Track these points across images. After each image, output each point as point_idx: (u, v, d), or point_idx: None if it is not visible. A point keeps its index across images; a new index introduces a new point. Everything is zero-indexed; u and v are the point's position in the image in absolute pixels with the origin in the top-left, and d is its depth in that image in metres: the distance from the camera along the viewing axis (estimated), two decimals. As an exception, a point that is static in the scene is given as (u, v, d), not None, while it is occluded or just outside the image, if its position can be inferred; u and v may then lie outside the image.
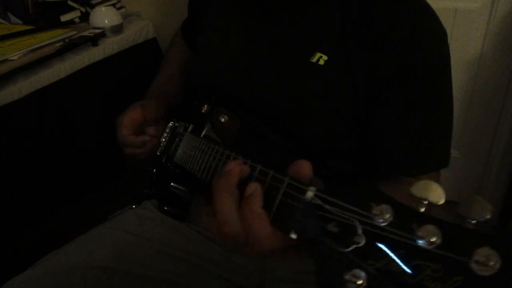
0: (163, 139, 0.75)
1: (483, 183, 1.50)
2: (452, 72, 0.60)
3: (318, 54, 0.59)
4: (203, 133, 0.65)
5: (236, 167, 0.40)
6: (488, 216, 0.26)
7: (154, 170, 0.77)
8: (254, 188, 0.38)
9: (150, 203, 0.75)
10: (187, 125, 0.71)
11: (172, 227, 0.70)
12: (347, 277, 0.29)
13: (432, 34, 0.57)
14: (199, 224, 0.72)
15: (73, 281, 0.59)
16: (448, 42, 0.60)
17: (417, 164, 0.58)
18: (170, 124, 0.76)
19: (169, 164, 0.72)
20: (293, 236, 0.35)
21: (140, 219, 0.71)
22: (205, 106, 0.67)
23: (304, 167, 0.38)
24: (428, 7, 0.58)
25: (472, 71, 1.35)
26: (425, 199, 0.29)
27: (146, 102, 0.77)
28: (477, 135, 1.44)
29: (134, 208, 0.75)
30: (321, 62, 0.59)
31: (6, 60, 1.07)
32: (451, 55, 0.60)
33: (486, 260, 0.24)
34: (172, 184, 0.69)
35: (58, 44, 1.19)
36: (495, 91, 1.36)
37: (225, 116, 0.64)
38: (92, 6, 1.39)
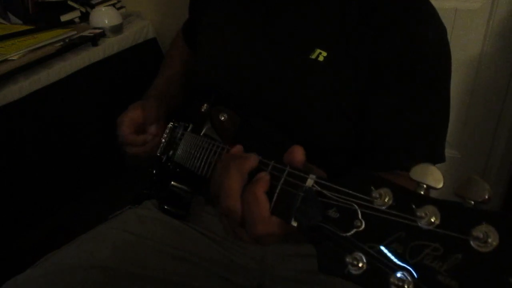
0: (163, 140, 0.75)
1: (483, 183, 1.49)
2: (452, 72, 0.60)
3: (318, 51, 0.59)
4: (202, 131, 0.65)
5: (254, 157, 0.43)
6: (486, 196, 0.27)
7: (154, 171, 0.77)
8: (263, 175, 0.40)
9: (150, 203, 0.75)
10: (186, 125, 0.71)
11: (172, 227, 0.70)
12: (348, 260, 0.30)
13: (432, 32, 0.58)
14: (199, 224, 0.72)
15: (73, 281, 0.59)
16: (448, 41, 0.60)
17: (412, 158, 0.59)
18: (170, 124, 0.76)
19: (169, 164, 0.73)
20: (294, 224, 0.36)
21: (140, 219, 0.71)
22: (205, 105, 0.67)
23: (297, 153, 0.40)
24: (428, 4, 0.59)
25: (472, 71, 1.35)
26: (424, 183, 0.29)
27: (146, 101, 0.77)
28: (477, 135, 1.44)
29: (134, 208, 0.75)
30: (321, 58, 0.59)
31: (6, 60, 1.07)
32: (451, 55, 0.60)
33: (484, 237, 0.24)
34: (172, 183, 0.69)
35: (58, 44, 1.19)
36: (495, 91, 1.36)
37: (225, 115, 0.64)
38: (92, 6, 1.39)
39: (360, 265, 0.29)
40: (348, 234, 0.31)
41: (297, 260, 0.68)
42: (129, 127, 0.74)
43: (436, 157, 0.60)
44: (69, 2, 1.37)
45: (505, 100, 1.36)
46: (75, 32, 1.26)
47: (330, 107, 0.60)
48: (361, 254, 0.29)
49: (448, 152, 0.61)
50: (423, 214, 0.27)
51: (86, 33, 1.27)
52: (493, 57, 1.31)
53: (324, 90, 0.59)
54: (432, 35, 0.58)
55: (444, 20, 0.59)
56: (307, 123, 0.61)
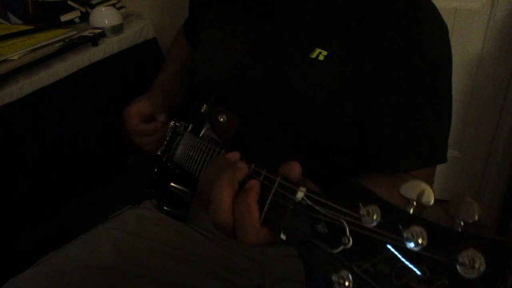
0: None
1: (483, 183, 1.50)
2: (452, 72, 0.60)
3: (318, 50, 0.59)
4: (202, 132, 0.65)
5: (245, 165, 0.42)
6: (476, 218, 0.26)
7: (155, 170, 0.77)
8: (255, 183, 0.40)
9: (150, 203, 0.75)
10: (187, 125, 0.71)
11: (172, 227, 0.70)
12: (334, 278, 0.29)
13: (433, 29, 0.58)
14: (199, 225, 0.72)
15: (73, 281, 0.59)
16: (450, 40, 0.60)
17: (413, 158, 0.59)
18: (171, 123, 0.76)
19: (169, 164, 0.73)
20: (283, 236, 0.36)
21: (140, 219, 0.71)
22: (204, 105, 0.67)
23: (294, 169, 0.39)
24: (429, 4, 0.59)
25: (472, 71, 1.35)
26: (414, 200, 0.29)
27: (152, 92, 0.78)
28: (477, 135, 1.44)
29: (134, 208, 0.75)
30: (321, 57, 0.59)
31: (6, 60, 1.07)
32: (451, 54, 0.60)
33: (471, 262, 0.24)
34: (171, 184, 0.69)
35: (58, 44, 1.19)
36: (495, 91, 1.36)
37: (224, 116, 0.64)
38: (92, 6, 1.39)
39: (347, 284, 0.29)
40: (336, 251, 0.30)
41: (297, 261, 0.67)
42: (137, 117, 0.74)
43: (438, 158, 0.60)
44: (69, 2, 1.37)
45: (505, 100, 1.36)
46: (75, 32, 1.26)
47: (331, 106, 0.59)
48: (347, 273, 0.29)
49: (448, 152, 0.60)
50: (409, 235, 0.26)
51: (86, 33, 1.27)
52: (493, 57, 1.31)
53: (325, 89, 0.59)
54: (434, 35, 0.58)
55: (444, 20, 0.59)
56: (308, 123, 0.61)
